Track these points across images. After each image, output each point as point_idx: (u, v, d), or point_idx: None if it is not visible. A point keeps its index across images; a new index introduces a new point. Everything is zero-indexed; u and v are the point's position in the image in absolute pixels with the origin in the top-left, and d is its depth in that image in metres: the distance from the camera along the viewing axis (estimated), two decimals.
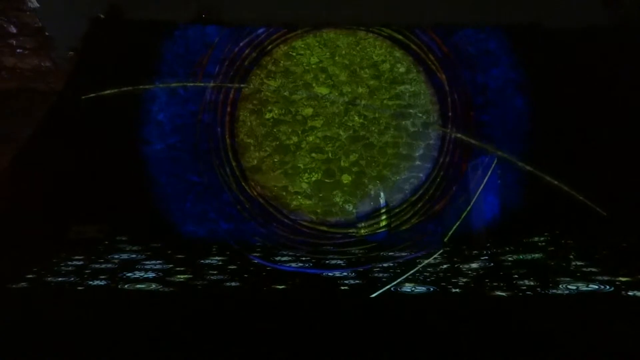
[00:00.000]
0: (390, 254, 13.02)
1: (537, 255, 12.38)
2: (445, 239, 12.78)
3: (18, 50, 27.38)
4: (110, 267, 11.45)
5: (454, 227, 12.75)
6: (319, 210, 16.61)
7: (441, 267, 11.20)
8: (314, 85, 17.98)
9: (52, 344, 6.51)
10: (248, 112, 17.62)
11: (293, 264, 12.02)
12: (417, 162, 17.13)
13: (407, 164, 17.10)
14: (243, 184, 16.69)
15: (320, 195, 16.76)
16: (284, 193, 16.81)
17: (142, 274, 10.76)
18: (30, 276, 10.43)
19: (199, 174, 16.60)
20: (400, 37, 18.38)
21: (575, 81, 16.92)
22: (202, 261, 12.26)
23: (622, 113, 16.45)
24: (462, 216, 13.16)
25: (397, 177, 16.94)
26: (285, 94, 17.83)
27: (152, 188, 16.12)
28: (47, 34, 28.45)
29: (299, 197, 16.78)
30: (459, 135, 16.64)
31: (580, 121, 16.32)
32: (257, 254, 13.02)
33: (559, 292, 8.89)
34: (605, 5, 23.11)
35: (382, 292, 8.90)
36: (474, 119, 17.13)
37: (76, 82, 17.72)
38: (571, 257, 11.95)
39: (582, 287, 9.13)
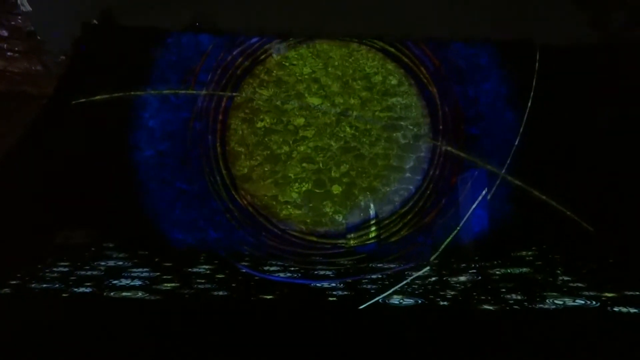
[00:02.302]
0: (379, 265, 13.02)
1: (524, 269, 12.44)
2: (432, 258, 12.78)
3: (9, 54, 27.20)
4: (96, 274, 11.33)
5: (443, 245, 12.76)
6: (308, 221, 16.58)
7: (429, 279, 11.21)
8: (306, 95, 18.03)
9: (35, 352, 6.40)
10: (239, 121, 17.61)
11: (281, 274, 11.97)
12: (408, 174, 17.18)
13: (397, 176, 17.15)
14: (233, 192, 16.63)
15: (310, 205, 16.74)
16: (274, 202, 16.77)
17: (128, 282, 10.65)
18: (14, 282, 10.27)
19: (188, 181, 16.51)
20: (392, 49, 18.51)
21: (565, 97, 17.11)
22: (189, 269, 12.17)
23: (610, 129, 16.65)
24: (452, 235, 13.17)
25: (387, 189, 16.98)
26: (277, 103, 17.85)
27: (141, 194, 15.99)
28: (38, 37, 28.32)
29: (289, 206, 16.74)
30: (449, 148, 16.75)
31: (569, 136, 16.49)
32: (246, 263, 12.95)
33: (546, 306, 8.93)
34: (595, 22, 23.50)
35: (371, 303, 8.88)
36: (464, 132, 17.26)
37: (67, 86, 17.60)
38: (558, 272, 12.02)
39: (569, 302, 9.18)
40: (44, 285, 10.17)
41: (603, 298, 9.35)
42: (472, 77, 18.07)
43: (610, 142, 16.36)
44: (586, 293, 9.76)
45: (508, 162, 15.49)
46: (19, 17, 27.70)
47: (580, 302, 9.17)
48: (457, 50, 18.53)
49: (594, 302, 9.08)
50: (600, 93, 17.22)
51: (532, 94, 16.83)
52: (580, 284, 10.57)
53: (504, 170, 15.10)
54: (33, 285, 10.20)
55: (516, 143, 16.11)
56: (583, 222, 13.69)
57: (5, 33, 27.15)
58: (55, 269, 11.74)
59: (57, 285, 10.15)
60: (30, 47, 27.70)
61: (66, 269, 11.73)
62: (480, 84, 18.04)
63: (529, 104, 16.68)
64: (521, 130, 16.31)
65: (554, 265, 12.77)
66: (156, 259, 13.18)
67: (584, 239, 13.75)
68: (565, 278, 11.26)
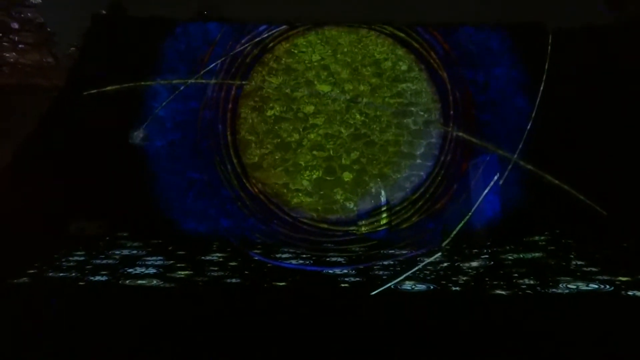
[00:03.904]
0: (390, 252, 13.04)
1: (537, 254, 12.39)
2: (444, 244, 12.73)
3: (20, 46, 27.36)
4: (111, 263, 11.49)
5: (455, 231, 12.70)
6: (319, 208, 16.63)
7: (441, 265, 11.21)
8: (315, 82, 17.96)
9: (53, 339, 6.53)
10: (249, 109, 17.62)
11: (293, 261, 12.04)
12: (418, 161, 17.13)
13: (408, 162, 17.10)
14: (244, 181, 16.70)
15: (321, 192, 16.77)
16: (285, 190, 16.82)
17: (143, 270, 10.80)
18: (32, 271, 10.46)
19: (199, 170, 16.61)
20: (402, 35, 18.34)
21: (577, 80, 16.90)
22: (202, 258, 12.29)
23: (623, 113, 16.43)
24: (464, 220, 13.09)
25: (398, 175, 16.95)
26: (286, 91, 17.82)
27: (152, 184, 16.13)
28: (49, 29, 28.42)
29: (300, 194, 16.79)
30: (460, 133, 16.63)
31: (581, 120, 16.30)
32: (258, 251, 13.04)
33: (559, 291, 8.91)
34: (609, 4, 23.05)
35: (382, 289, 8.92)
36: (475, 117, 17.12)
37: (78, 78, 17.71)
38: (571, 256, 11.96)
39: (582, 286, 9.15)
40: (61, 274, 10.35)
41: (617, 282, 9.30)
42: (483, 62, 17.87)
43: (623, 126, 16.15)
44: (600, 277, 9.71)
45: (520, 146, 15.34)
46: (29, 9, 27.79)
47: (593, 286, 9.12)
48: (468, 34, 18.31)
49: (607, 287, 9.03)
50: (614, 76, 16.97)
51: (544, 78, 16.61)
52: (593, 268, 10.51)
53: (516, 155, 14.97)
54: (50, 274, 10.38)
55: (528, 128, 15.95)
56: (596, 206, 13.56)
57: (15, 25, 27.29)
58: (71, 258, 11.92)
59: (73, 274, 10.32)
60: (41, 39, 27.82)
61: (82, 258, 11.91)
62: (491, 69, 17.83)
63: (541, 88, 16.46)
64: (533, 114, 16.13)
65: (567, 250, 12.70)
66: (170, 248, 13.32)
67: (597, 223, 13.63)
68: (579, 262, 11.21)
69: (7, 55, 27.09)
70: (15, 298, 8.80)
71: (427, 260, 11.31)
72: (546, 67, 16.89)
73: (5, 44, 27.19)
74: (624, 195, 14.36)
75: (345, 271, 10.80)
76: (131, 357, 6.02)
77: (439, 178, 16.49)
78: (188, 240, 14.33)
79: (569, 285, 9.18)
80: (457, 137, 16.69)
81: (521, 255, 12.23)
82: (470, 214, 13.52)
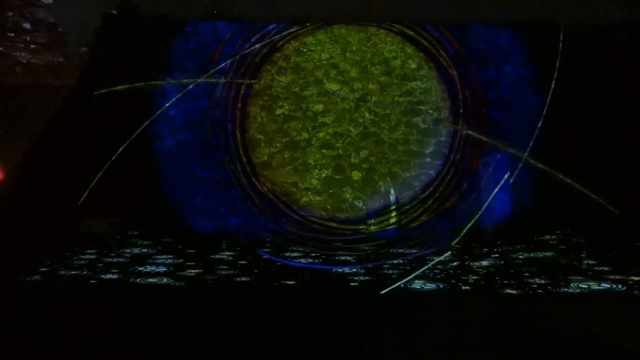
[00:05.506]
0: (400, 250, 13.01)
1: (548, 253, 12.29)
2: (453, 243, 12.64)
3: (32, 46, 27.63)
4: (122, 261, 11.58)
5: (465, 230, 12.61)
6: (328, 207, 16.62)
7: (451, 264, 11.17)
8: (324, 81, 17.95)
9: (64, 337, 6.59)
10: (258, 108, 17.66)
11: (302, 260, 12.05)
12: (428, 159, 17.06)
13: (417, 161, 17.04)
14: (253, 179, 16.74)
15: (330, 191, 16.77)
16: (294, 189, 16.84)
17: (153, 268, 10.88)
18: (44, 269, 10.58)
19: (209, 169, 16.67)
20: (411, 33, 18.28)
21: (588, 78, 16.74)
22: (212, 256, 12.34)
23: (635, 110, 16.24)
24: (474, 219, 12.99)
25: (408, 174, 16.89)
26: (295, 90, 17.83)
27: (162, 183, 16.22)
28: (60, 29, 28.67)
29: (309, 193, 16.79)
30: (470, 132, 16.54)
31: (592, 118, 16.15)
32: (267, 250, 13.07)
33: (570, 290, 8.83)
34: (620, 0, 22.79)
35: (392, 288, 8.91)
36: (485, 115, 17.01)
37: (89, 77, 17.85)
38: (583, 255, 11.85)
39: (594, 286, 9.06)
40: (72, 272, 10.45)
41: (629, 282, 9.20)
42: (494, 59, 17.76)
43: (635, 124, 15.96)
44: (612, 277, 9.61)
45: (531, 145, 15.22)
46: (41, 10, 28.05)
47: (605, 286, 9.03)
48: (478, 32, 18.21)
49: (619, 286, 8.94)
50: (626, 73, 16.78)
51: (555, 75, 16.47)
52: (605, 268, 10.40)
53: (526, 154, 14.86)
54: (62, 272, 10.48)
55: (539, 125, 15.83)
56: (608, 204, 13.43)
57: (27, 25, 27.56)
58: (82, 256, 12.03)
59: (84, 272, 10.41)
60: (52, 39, 28.06)
61: (93, 257, 12.01)
62: (501, 66, 17.73)
63: (552, 86, 16.33)
64: (544, 112, 16.01)
65: (578, 249, 12.57)
66: (180, 246, 13.39)
67: (609, 222, 13.50)
68: (590, 262, 11.10)
69: (19, 55, 27.35)
70: (28, 295, 8.90)
71: (437, 259, 11.26)
72: (557, 64, 16.75)
73: (17, 44, 27.46)
74: (636, 193, 14.20)
75: (355, 270, 10.79)
76: (141, 356, 6.06)
77: (449, 177, 16.42)
78: (198, 239, 14.40)
79: (580, 285, 9.10)
80: (467, 136, 16.61)
81: (532, 255, 12.13)
82: (480, 212, 13.44)
